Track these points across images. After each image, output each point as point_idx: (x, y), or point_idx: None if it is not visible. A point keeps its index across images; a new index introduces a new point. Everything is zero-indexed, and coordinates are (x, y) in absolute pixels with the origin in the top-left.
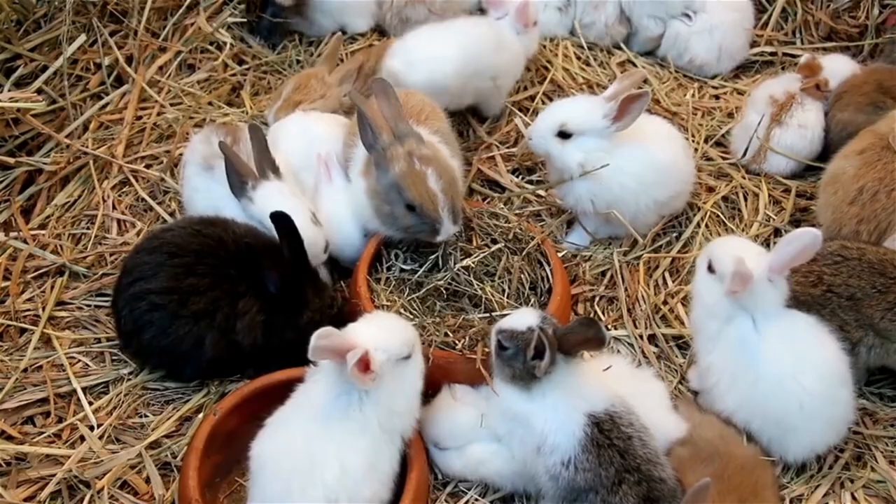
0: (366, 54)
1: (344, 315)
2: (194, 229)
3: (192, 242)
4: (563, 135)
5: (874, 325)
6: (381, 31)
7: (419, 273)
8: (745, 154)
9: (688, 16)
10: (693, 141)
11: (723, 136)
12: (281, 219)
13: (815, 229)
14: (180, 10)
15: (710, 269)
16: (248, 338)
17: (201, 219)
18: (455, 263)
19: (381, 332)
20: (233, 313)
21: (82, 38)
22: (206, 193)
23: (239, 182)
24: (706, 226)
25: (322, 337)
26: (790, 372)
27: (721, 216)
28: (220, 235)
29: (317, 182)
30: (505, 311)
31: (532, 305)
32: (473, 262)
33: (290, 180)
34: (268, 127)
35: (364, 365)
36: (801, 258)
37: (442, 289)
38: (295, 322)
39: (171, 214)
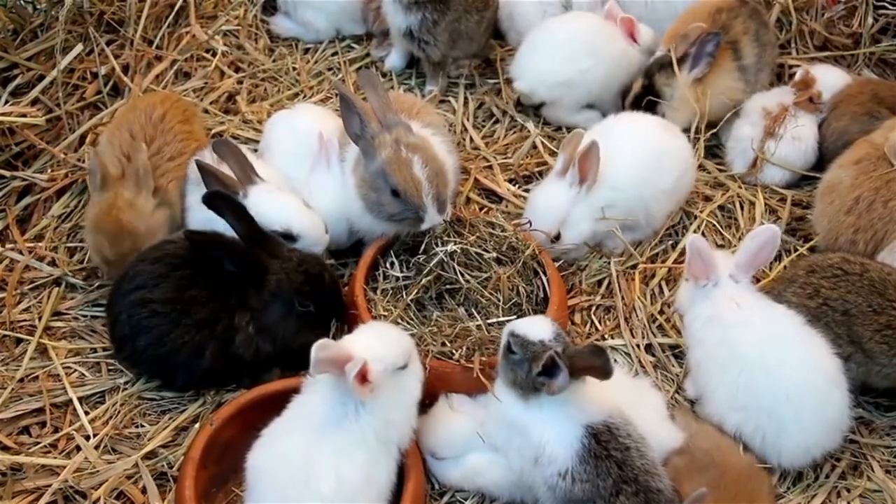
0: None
1: (315, 273)
2: None
3: (193, 256)
4: (555, 239)
5: (862, 345)
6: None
7: (414, 281)
8: (753, 164)
9: None
10: None
11: (718, 146)
12: (212, 197)
13: (774, 226)
14: (172, 15)
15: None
16: (248, 350)
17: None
18: (456, 275)
19: (378, 342)
20: (231, 325)
21: (79, 47)
22: (199, 207)
23: None
24: (702, 234)
25: (321, 349)
26: (771, 360)
27: (717, 225)
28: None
29: (313, 165)
30: (501, 319)
31: (526, 314)
32: (459, 248)
33: (273, 178)
34: None
35: (362, 376)
36: (763, 254)
37: (433, 284)
38: (266, 290)
39: None
